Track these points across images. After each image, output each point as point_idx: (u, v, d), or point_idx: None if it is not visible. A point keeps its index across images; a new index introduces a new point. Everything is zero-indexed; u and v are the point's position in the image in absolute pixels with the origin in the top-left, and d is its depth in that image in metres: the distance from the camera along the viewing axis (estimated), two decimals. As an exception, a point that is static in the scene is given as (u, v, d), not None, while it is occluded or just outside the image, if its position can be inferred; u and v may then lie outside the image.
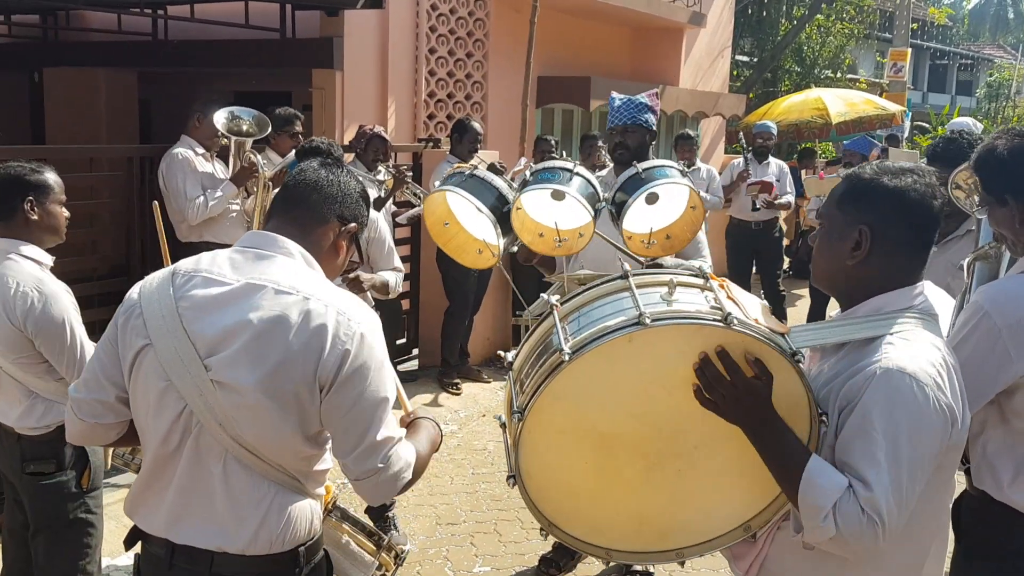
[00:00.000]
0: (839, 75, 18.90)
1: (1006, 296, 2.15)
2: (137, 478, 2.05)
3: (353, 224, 2.13)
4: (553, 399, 1.79)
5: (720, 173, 8.62)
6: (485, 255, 3.58)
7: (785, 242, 9.68)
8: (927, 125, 22.94)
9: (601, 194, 3.33)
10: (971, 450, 2.28)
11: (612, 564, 4.19)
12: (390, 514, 4.40)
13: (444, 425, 5.99)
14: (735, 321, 1.71)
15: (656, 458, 1.90)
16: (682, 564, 2.09)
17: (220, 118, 4.79)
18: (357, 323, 1.91)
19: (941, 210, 1.88)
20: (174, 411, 1.90)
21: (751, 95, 17.07)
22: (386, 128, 8.14)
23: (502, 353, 2.08)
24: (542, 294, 2.19)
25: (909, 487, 1.71)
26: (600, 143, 7.35)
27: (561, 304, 1.92)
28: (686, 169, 3.37)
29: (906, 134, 14.65)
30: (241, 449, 1.90)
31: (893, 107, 12.20)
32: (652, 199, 3.29)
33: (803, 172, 9.32)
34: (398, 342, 6.97)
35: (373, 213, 4.34)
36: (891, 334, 1.79)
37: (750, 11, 18.23)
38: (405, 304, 7.06)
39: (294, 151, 5.00)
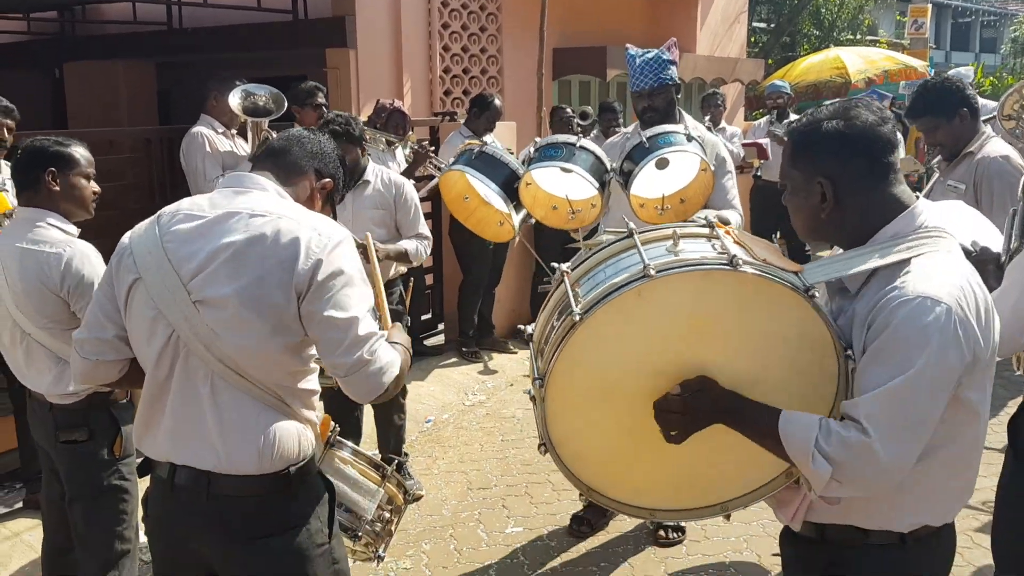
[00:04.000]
0: (859, 37, 18.63)
1: None
2: (139, 408, 2.17)
3: (328, 180, 2.27)
4: (571, 363, 1.77)
5: (745, 135, 8.54)
6: (507, 227, 3.58)
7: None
8: (951, 84, 22.53)
9: (608, 165, 3.32)
10: None
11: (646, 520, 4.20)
12: (403, 460, 4.48)
13: (472, 395, 6.08)
14: (740, 262, 1.69)
15: None
16: (727, 518, 2.06)
17: (235, 98, 4.80)
18: (327, 236, 2.04)
19: (892, 131, 1.83)
20: (163, 338, 2.04)
21: (770, 61, 16.87)
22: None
23: (522, 326, 2.09)
24: (560, 264, 2.16)
25: (922, 411, 1.66)
26: (618, 109, 7.33)
27: (571, 271, 1.91)
28: (691, 133, 3.33)
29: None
30: (226, 368, 2.01)
31: (915, 62, 11.98)
32: (662, 164, 3.27)
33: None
34: (423, 317, 6.99)
35: (400, 179, 4.38)
36: (907, 260, 1.74)
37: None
38: (429, 279, 7.07)
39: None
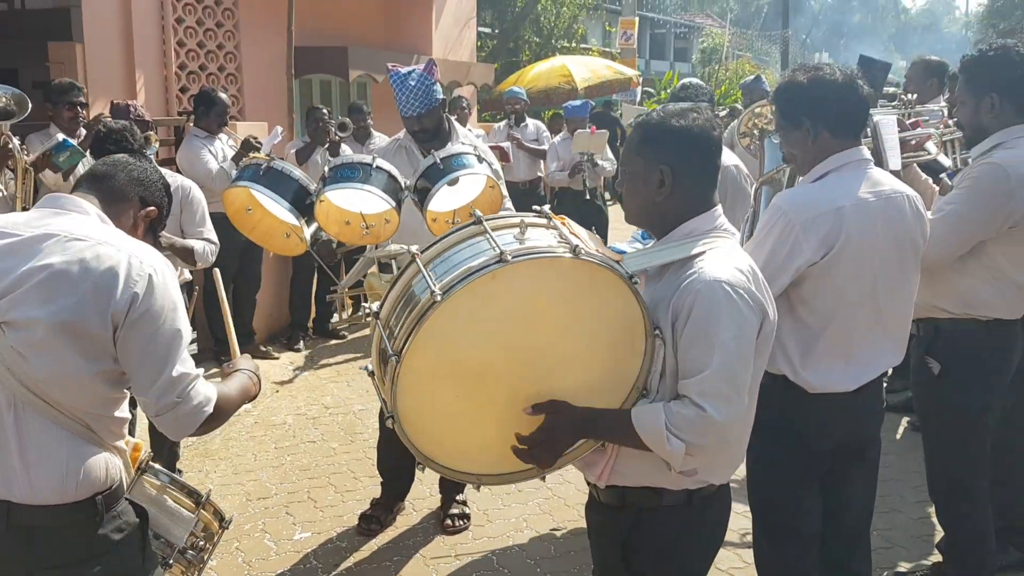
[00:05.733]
0: (574, 44, 19.97)
1: (800, 199, 2.56)
2: None
3: (153, 208, 2.28)
4: (427, 339, 1.89)
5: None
6: (293, 239, 3.60)
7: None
8: (652, 90, 24.80)
9: (403, 183, 3.46)
10: None
11: (436, 509, 4.38)
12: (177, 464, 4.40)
13: (237, 404, 5.92)
14: (582, 252, 1.90)
15: (519, 382, 2.05)
16: (543, 479, 2.28)
17: (-32, 98, 4.35)
18: (149, 265, 2.02)
19: (720, 137, 2.18)
20: None
21: (496, 65, 17.65)
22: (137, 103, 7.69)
23: (366, 305, 2.17)
24: (409, 247, 2.24)
25: (740, 373, 1.99)
26: (366, 111, 7.45)
27: (421, 252, 2.02)
28: (482, 155, 3.56)
29: (638, 98, 15.79)
30: (30, 395, 1.96)
31: (630, 72, 13.13)
32: (453, 181, 3.46)
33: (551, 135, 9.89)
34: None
35: (186, 181, 4.23)
36: (704, 252, 2.07)
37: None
38: (179, 286, 6.77)
39: (60, 137, 4.65)
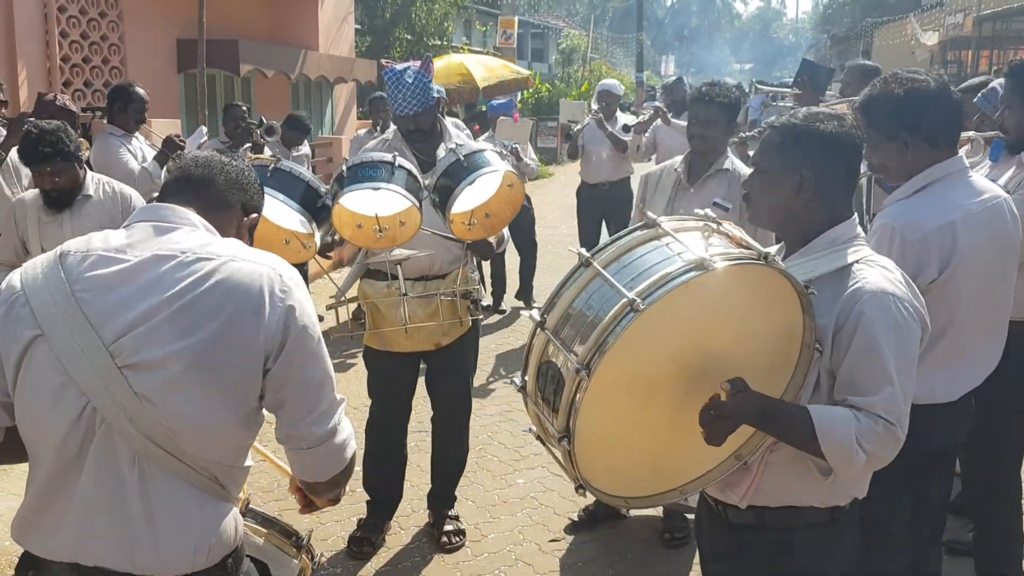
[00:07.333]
0: (445, 43, 19.82)
1: (910, 216, 2.47)
2: (27, 496, 1.77)
3: (256, 215, 2.01)
4: (619, 351, 1.70)
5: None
6: (294, 246, 3.31)
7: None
8: (517, 89, 25.00)
9: (422, 182, 3.26)
10: None
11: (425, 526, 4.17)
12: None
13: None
14: (772, 260, 1.78)
15: (681, 398, 1.90)
16: (687, 501, 2.14)
17: None
18: (290, 279, 1.77)
19: (861, 146, 2.11)
20: (74, 409, 1.66)
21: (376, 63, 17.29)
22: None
23: (524, 313, 1.98)
24: (580, 249, 1.99)
25: (911, 389, 1.93)
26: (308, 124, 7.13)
27: (593, 256, 1.83)
28: (504, 151, 3.40)
29: (519, 97, 15.87)
30: (157, 449, 1.67)
31: (525, 71, 13.15)
32: (473, 180, 3.27)
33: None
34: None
35: (127, 189, 3.82)
36: (857, 262, 1.99)
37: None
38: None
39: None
